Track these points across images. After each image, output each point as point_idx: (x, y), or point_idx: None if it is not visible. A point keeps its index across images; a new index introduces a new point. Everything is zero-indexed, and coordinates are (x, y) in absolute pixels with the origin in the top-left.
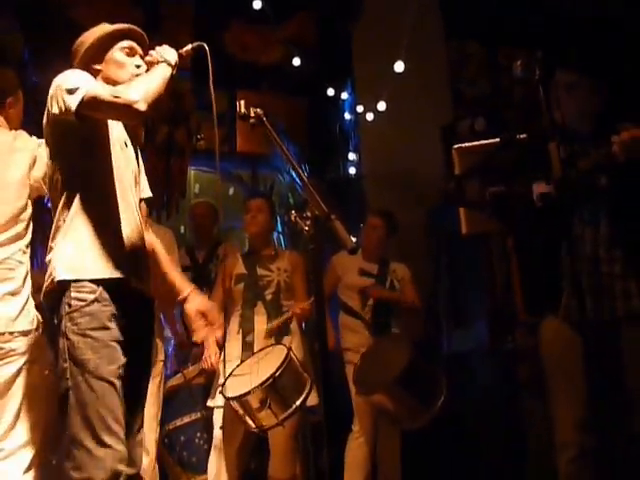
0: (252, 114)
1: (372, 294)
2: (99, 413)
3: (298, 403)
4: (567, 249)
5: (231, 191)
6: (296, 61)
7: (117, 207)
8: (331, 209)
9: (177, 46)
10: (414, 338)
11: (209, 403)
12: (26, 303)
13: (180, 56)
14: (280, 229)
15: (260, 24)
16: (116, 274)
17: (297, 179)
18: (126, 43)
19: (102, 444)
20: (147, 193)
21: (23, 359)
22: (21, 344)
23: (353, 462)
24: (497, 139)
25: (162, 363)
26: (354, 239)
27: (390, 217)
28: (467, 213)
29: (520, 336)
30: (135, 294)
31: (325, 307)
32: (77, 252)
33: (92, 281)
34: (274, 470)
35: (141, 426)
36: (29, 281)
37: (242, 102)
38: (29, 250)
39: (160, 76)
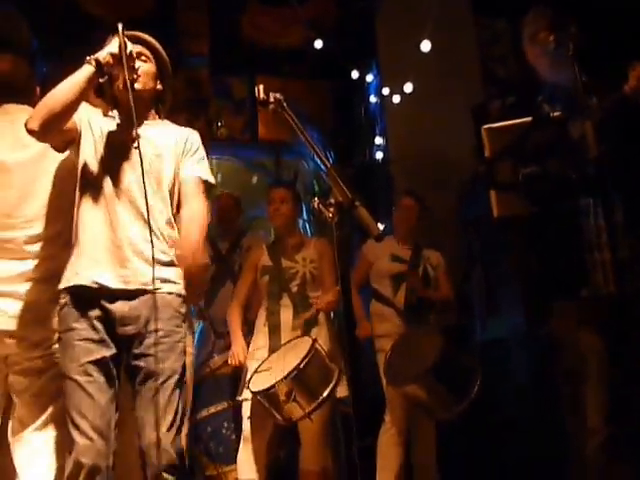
0: (272, 99)
1: (409, 281)
2: (67, 409)
3: (325, 394)
4: (605, 218)
5: (255, 179)
6: (317, 43)
7: (99, 214)
8: (355, 195)
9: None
10: (446, 325)
11: (239, 397)
12: None
13: (121, 47)
14: (306, 217)
15: (278, 6)
16: (81, 281)
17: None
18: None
19: (71, 438)
20: (196, 173)
21: None
22: None
23: (386, 453)
24: (529, 118)
25: (191, 356)
26: (381, 226)
27: (420, 197)
28: (498, 195)
29: (556, 321)
30: (115, 296)
31: (353, 296)
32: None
33: (64, 289)
34: (305, 461)
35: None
36: None
37: (261, 87)
38: None
39: (70, 82)
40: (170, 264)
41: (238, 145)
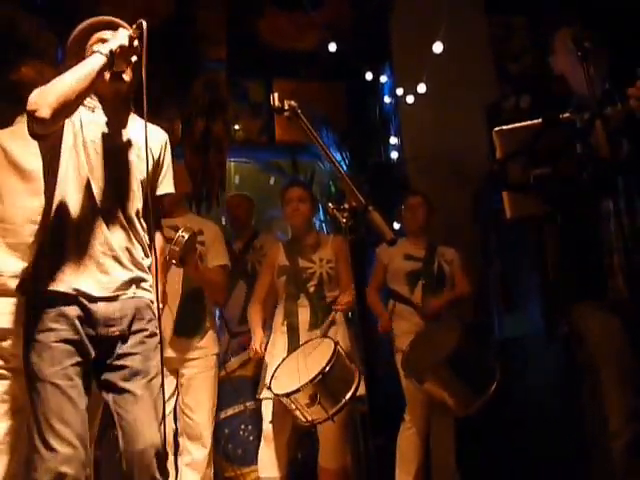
0: (286, 107)
1: (429, 314)
2: (44, 415)
3: (348, 397)
4: (616, 225)
5: (272, 181)
6: (332, 46)
7: (68, 215)
8: (368, 200)
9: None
10: (464, 322)
11: (259, 396)
12: None
13: (131, 39)
14: (322, 217)
15: (294, 10)
16: (60, 288)
17: (332, 168)
18: (106, 34)
19: (47, 446)
20: (167, 189)
21: None
22: None
23: (405, 451)
24: (539, 119)
25: (216, 357)
26: (397, 225)
27: (428, 196)
28: (511, 197)
29: (576, 320)
30: (90, 298)
31: (371, 296)
32: (37, 263)
33: (40, 291)
34: (324, 460)
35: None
36: None
37: (276, 95)
38: None
39: (83, 70)
40: (146, 270)
41: (255, 147)
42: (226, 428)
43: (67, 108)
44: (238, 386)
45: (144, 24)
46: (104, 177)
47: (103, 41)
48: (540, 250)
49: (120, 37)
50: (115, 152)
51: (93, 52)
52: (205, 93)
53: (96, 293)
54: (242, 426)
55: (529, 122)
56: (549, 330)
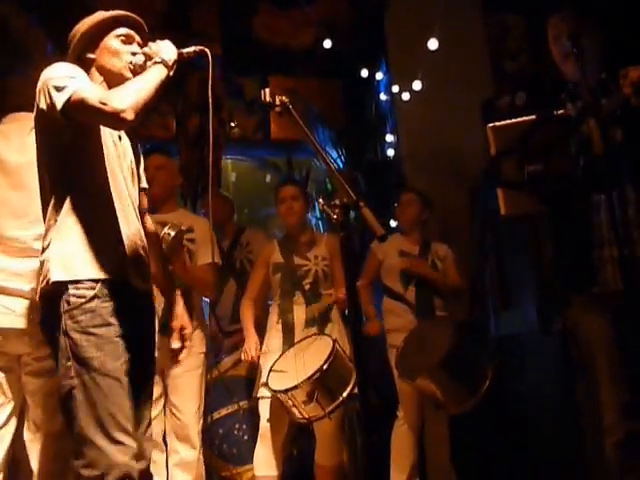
0: (277, 102)
1: (412, 266)
2: (108, 410)
3: (345, 395)
4: (607, 216)
5: (268, 178)
6: (328, 43)
7: (112, 204)
8: (359, 196)
9: (202, 39)
10: (459, 320)
11: (255, 394)
12: None
13: (180, 54)
14: (318, 215)
15: (290, 7)
16: (115, 275)
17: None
18: (122, 30)
19: (114, 441)
20: (144, 184)
21: None
22: None
23: (399, 448)
24: (533, 116)
25: (204, 355)
26: (394, 223)
27: (422, 193)
28: (505, 193)
29: (570, 316)
30: (136, 292)
31: (362, 294)
32: (73, 252)
33: (90, 280)
34: (321, 457)
35: (150, 422)
36: None
37: (267, 90)
38: None
39: (154, 80)
40: None
41: (251, 145)
42: (220, 428)
43: (142, 115)
44: (231, 386)
45: (209, 53)
46: (121, 168)
47: (128, 38)
48: (536, 247)
49: (171, 51)
50: (126, 148)
51: (156, 62)
52: (199, 90)
53: (139, 285)
54: (236, 426)
55: (523, 118)
56: (544, 327)
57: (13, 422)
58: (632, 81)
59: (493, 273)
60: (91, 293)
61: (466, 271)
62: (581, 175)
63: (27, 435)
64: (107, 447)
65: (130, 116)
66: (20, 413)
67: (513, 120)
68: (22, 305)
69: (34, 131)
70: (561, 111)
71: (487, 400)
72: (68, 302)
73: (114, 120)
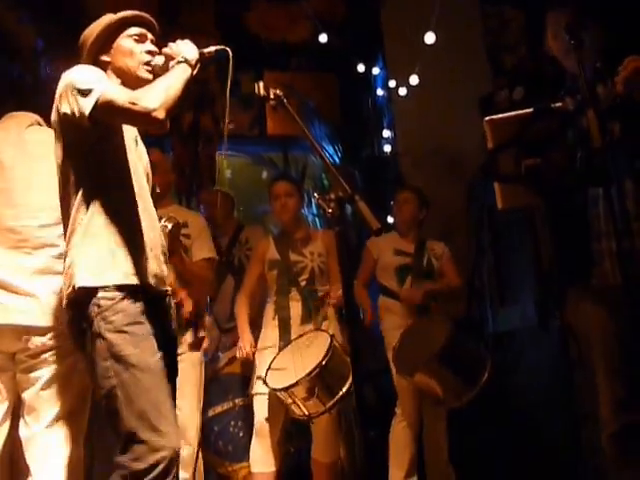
0: (271, 95)
1: (406, 300)
2: (151, 403)
3: (344, 390)
4: (605, 208)
5: (264, 174)
6: (324, 37)
7: (136, 207)
8: (355, 190)
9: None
10: (456, 317)
11: (251, 391)
12: None
13: (201, 54)
14: (315, 211)
15: (285, 1)
16: (140, 278)
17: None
18: (135, 30)
19: (160, 433)
20: (157, 189)
21: None
22: None
23: (397, 445)
24: (530, 109)
25: (202, 353)
26: (391, 219)
27: (420, 191)
28: (502, 187)
29: (568, 309)
30: (159, 294)
31: (358, 289)
32: (99, 256)
33: (117, 285)
34: (318, 453)
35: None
36: None
37: (261, 83)
38: None
39: (181, 78)
40: None
41: (246, 141)
42: (216, 425)
43: (174, 112)
44: (227, 383)
45: (229, 51)
46: (139, 172)
47: (141, 37)
48: (534, 242)
49: (193, 50)
50: (142, 152)
51: (179, 62)
52: (193, 85)
53: (155, 286)
54: (232, 422)
55: (520, 111)
56: (542, 322)
57: (7, 421)
58: (623, 77)
59: (490, 269)
60: (120, 295)
61: (463, 268)
62: (579, 168)
63: (23, 432)
64: (155, 440)
65: (161, 115)
66: (14, 412)
67: (510, 113)
68: (17, 301)
69: (34, 128)
70: (559, 104)
71: (485, 396)
72: (98, 305)
73: (146, 119)
